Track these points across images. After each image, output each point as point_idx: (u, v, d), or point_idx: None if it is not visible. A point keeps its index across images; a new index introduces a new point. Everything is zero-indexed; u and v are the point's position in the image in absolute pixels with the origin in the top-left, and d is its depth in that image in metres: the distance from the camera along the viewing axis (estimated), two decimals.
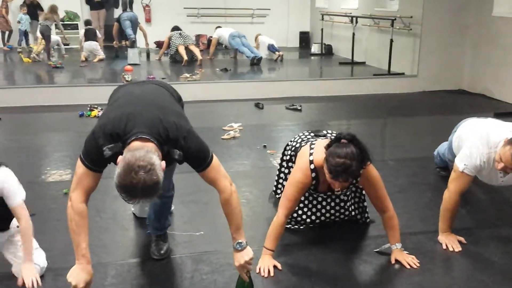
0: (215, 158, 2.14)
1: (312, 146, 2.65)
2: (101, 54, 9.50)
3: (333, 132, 2.94)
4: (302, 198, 2.84)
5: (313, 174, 2.58)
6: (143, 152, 1.83)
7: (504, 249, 2.75)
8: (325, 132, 2.94)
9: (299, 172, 2.60)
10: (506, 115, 6.02)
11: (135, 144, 1.89)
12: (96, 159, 2.00)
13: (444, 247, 2.75)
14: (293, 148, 2.96)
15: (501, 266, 2.58)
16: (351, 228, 2.99)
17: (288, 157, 3.04)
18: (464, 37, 7.48)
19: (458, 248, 2.73)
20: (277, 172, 3.27)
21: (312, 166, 2.57)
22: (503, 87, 6.78)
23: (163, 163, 1.87)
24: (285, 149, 3.14)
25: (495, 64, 6.95)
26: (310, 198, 2.89)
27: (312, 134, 2.95)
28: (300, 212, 2.92)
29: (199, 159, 2.09)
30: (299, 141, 2.93)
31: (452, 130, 3.36)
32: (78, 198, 2.03)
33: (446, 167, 3.69)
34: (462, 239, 2.80)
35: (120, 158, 1.85)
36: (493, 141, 2.59)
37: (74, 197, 2.03)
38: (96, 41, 9.56)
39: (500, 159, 2.48)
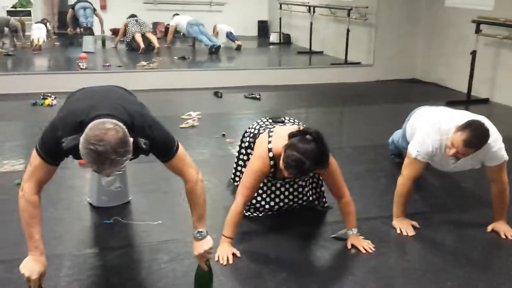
0: (181, 147, 2.13)
1: (271, 134, 2.66)
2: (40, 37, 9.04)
3: (291, 118, 2.96)
4: (261, 185, 2.86)
5: (272, 162, 2.59)
6: (107, 119, 1.82)
7: (456, 233, 2.85)
8: (283, 118, 2.96)
9: (257, 160, 2.61)
10: (458, 103, 6.22)
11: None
12: (53, 151, 1.95)
13: (398, 231, 2.83)
14: (251, 135, 2.96)
15: (453, 249, 2.68)
16: (308, 214, 3.04)
17: (246, 144, 3.04)
18: (417, 28, 7.65)
19: (411, 232, 2.81)
20: (235, 160, 3.27)
21: (271, 154, 2.59)
22: (455, 76, 6.99)
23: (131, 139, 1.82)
24: (243, 136, 3.14)
25: (447, 53, 7.15)
26: (269, 184, 2.91)
27: (270, 120, 2.96)
28: (259, 198, 2.94)
29: (166, 149, 2.07)
30: (257, 127, 2.94)
31: (406, 119, 3.44)
32: (31, 189, 1.98)
33: (400, 154, 3.78)
34: (415, 223, 2.89)
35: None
36: (445, 128, 2.67)
37: (27, 187, 1.98)
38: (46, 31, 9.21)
39: (452, 145, 2.56)
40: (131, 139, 1.83)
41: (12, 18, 9.22)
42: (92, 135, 1.74)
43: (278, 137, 2.58)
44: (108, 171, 1.79)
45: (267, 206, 2.95)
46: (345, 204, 2.67)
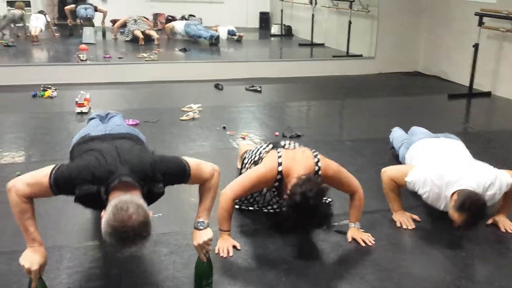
0: (191, 163, 2.15)
1: (279, 151, 2.61)
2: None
3: (290, 142, 2.84)
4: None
5: (278, 177, 2.54)
6: (128, 196, 1.88)
7: (454, 228, 2.84)
8: (283, 143, 2.82)
9: (265, 169, 2.56)
10: (460, 96, 6.21)
11: (119, 192, 1.90)
12: (61, 189, 1.98)
13: (399, 225, 2.83)
14: (251, 162, 2.84)
15: (453, 242, 2.68)
16: None
17: (245, 170, 2.91)
18: (419, 20, 7.61)
19: (411, 226, 2.82)
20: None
21: (280, 168, 2.53)
22: (457, 69, 6.96)
23: (150, 212, 1.89)
24: (243, 163, 3.03)
25: (449, 46, 7.12)
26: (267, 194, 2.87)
27: (271, 146, 2.84)
28: (251, 200, 2.90)
29: (180, 177, 2.13)
30: (257, 153, 2.83)
31: (406, 134, 3.45)
32: (24, 193, 1.96)
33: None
34: (416, 217, 2.89)
35: (103, 212, 1.85)
36: (445, 185, 2.62)
37: (21, 189, 1.95)
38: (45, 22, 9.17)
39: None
40: (151, 214, 1.89)
41: (19, 10, 9.18)
42: (115, 220, 1.78)
43: (287, 157, 2.55)
44: (131, 251, 1.86)
45: (260, 201, 2.91)
46: (357, 199, 2.67)
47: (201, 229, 2.16)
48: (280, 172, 2.52)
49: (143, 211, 1.84)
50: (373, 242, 2.63)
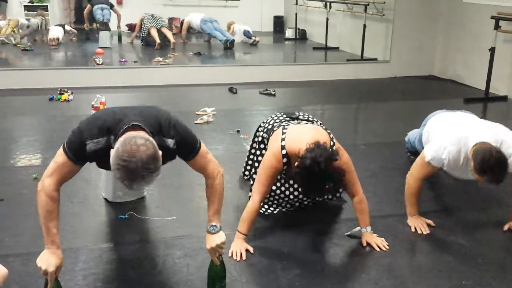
0: (203, 145, 2.19)
1: (284, 131, 2.64)
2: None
3: (305, 114, 2.93)
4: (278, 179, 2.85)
5: (284, 160, 2.58)
6: (135, 133, 1.87)
7: (471, 232, 2.82)
8: (297, 113, 2.93)
9: (271, 157, 2.60)
10: (476, 100, 6.15)
11: (128, 133, 1.89)
12: (78, 152, 1.99)
13: (413, 230, 2.81)
14: (265, 130, 2.94)
15: (468, 248, 2.65)
16: (322, 212, 3.03)
17: (260, 138, 3.03)
18: (435, 24, 7.56)
19: (426, 231, 2.79)
20: (247, 153, 3.25)
21: (284, 152, 2.57)
22: (473, 73, 6.90)
23: (160, 151, 1.87)
24: (257, 130, 3.12)
25: (465, 50, 7.06)
26: (281, 181, 2.91)
27: (284, 115, 2.93)
28: (274, 188, 2.92)
29: (191, 147, 2.14)
30: (271, 122, 2.92)
31: (422, 123, 3.40)
32: (52, 185, 2.00)
33: (416, 152, 3.74)
34: (431, 222, 2.86)
35: (112, 150, 1.84)
36: (464, 140, 2.60)
37: (48, 183, 2.00)
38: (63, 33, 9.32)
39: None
40: (160, 153, 1.86)
41: (39, 16, 9.33)
42: (123, 151, 1.78)
43: (292, 136, 2.57)
44: (139, 186, 1.85)
45: (282, 196, 2.93)
46: (358, 202, 2.65)
47: (213, 233, 2.17)
48: (285, 155, 2.55)
49: (151, 144, 1.82)
50: (387, 247, 2.62)
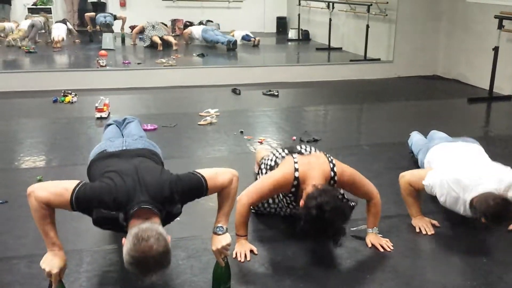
0: (205, 173, 2.16)
1: (295, 160, 2.56)
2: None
3: (307, 147, 2.82)
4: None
5: (295, 182, 2.50)
6: (148, 223, 1.89)
7: (476, 231, 2.81)
8: (299, 148, 2.79)
9: (282, 173, 2.54)
10: (480, 100, 6.13)
11: (139, 220, 1.93)
12: (83, 207, 2.01)
13: (418, 230, 2.80)
14: (268, 167, 2.82)
15: (473, 248, 2.65)
16: None
17: (263, 174, 2.89)
18: (438, 23, 7.54)
19: (431, 231, 2.79)
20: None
21: (297, 174, 2.50)
22: (477, 72, 6.88)
23: (169, 237, 1.91)
24: (260, 168, 3.00)
25: (469, 50, 7.04)
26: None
27: (286, 151, 2.81)
28: (266, 205, 2.89)
29: (199, 192, 2.15)
30: (273, 159, 2.81)
31: (425, 139, 3.40)
32: (44, 200, 1.97)
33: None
34: (435, 222, 2.86)
35: (124, 240, 1.88)
36: (463, 188, 2.57)
37: (41, 195, 1.97)
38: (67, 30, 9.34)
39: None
40: (169, 239, 1.90)
41: (42, 17, 9.36)
42: (136, 250, 1.80)
43: (303, 163, 2.53)
44: (151, 280, 1.87)
45: (273, 205, 2.89)
46: (373, 205, 2.65)
47: (219, 234, 2.18)
48: (296, 178, 2.50)
49: (163, 240, 1.85)
50: (392, 248, 2.61)
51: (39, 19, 9.27)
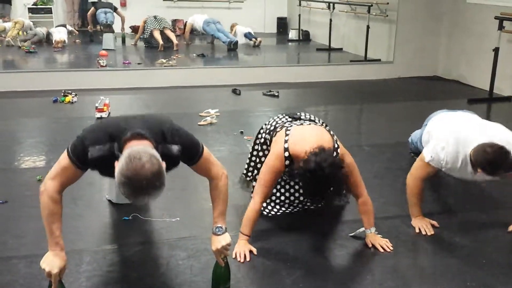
0: (205, 148, 2.19)
1: (287, 132, 2.61)
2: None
3: (307, 114, 2.90)
4: (279, 180, 2.85)
5: (287, 162, 2.56)
6: (142, 146, 1.87)
7: (475, 233, 2.82)
8: (299, 114, 2.88)
9: (273, 158, 2.59)
10: (480, 101, 6.13)
11: (132, 143, 1.90)
12: (81, 157, 1.99)
13: (417, 231, 2.80)
14: (267, 131, 2.89)
15: (472, 249, 2.65)
16: (326, 213, 3.02)
17: (262, 140, 2.98)
18: (439, 24, 7.54)
19: (430, 232, 2.78)
20: (249, 155, 3.21)
21: (287, 154, 2.55)
22: (477, 73, 6.88)
23: (164, 163, 1.87)
24: (259, 132, 3.07)
25: (469, 51, 7.04)
26: (285, 179, 2.89)
27: (287, 117, 2.88)
28: (274, 190, 2.90)
29: (194, 151, 2.14)
30: (273, 124, 2.87)
31: (423, 123, 3.39)
32: (54, 188, 2.00)
33: (419, 152, 3.73)
34: (435, 223, 2.85)
35: (117, 162, 1.84)
36: (463, 141, 2.60)
37: (50, 185, 2.00)
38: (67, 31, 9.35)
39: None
40: (164, 165, 1.87)
41: (43, 28, 9.38)
42: (128, 168, 1.78)
43: (295, 138, 2.56)
44: (144, 202, 1.86)
45: (282, 198, 2.92)
46: (362, 203, 2.65)
47: (219, 235, 2.18)
48: (287, 157, 2.53)
49: (156, 160, 1.82)
50: (392, 248, 2.61)
51: (42, 30, 9.30)
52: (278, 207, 2.98)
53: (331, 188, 2.36)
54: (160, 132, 2.02)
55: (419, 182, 2.79)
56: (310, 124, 2.76)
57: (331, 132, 2.69)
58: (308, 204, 3.00)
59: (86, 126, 2.10)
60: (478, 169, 2.48)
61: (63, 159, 2.02)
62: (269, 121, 2.98)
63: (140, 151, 1.82)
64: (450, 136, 2.67)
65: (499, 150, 2.42)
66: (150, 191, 1.80)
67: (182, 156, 2.11)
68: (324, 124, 2.85)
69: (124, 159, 1.80)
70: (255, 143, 3.13)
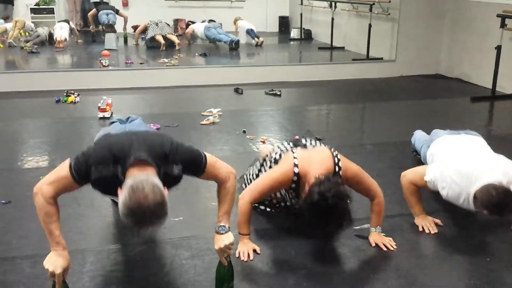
0: (208, 156, 2.18)
1: (295, 156, 2.56)
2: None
3: (312, 140, 2.82)
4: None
5: (295, 178, 2.51)
6: (144, 175, 1.88)
7: (480, 230, 2.81)
8: (304, 141, 2.80)
9: (281, 172, 2.54)
10: (483, 99, 6.12)
11: (135, 171, 1.91)
12: (83, 173, 2.00)
13: (421, 229, 2.80)
14: (273, 160, 2.78)
15: (477, 247, 2.64)
16: None
17: (268, 167, 2.84)
18: (441, 22, 7.53)
19: (434, 230, 2.78)
20: (248, 176, 3.03)
21: (296, 170, 2.50)
22: (480, 71, 6.87)
23: (165, 190, 1.89)
24: (264, 160, 2.93)
25: (471, 49, 7.03)
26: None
27: (291, 144, 2.81)
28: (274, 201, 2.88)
29: (196, 165, 2.15)
30: (278, 152, 2.78)
31: (429, 137, 3.36)
32: (50, 193, 2.00)
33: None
34: (438, 221, 2.85)
35: (120, 190, 1.86)
36: (466, 180, 2.54)
37: (46, 190, 2.00)
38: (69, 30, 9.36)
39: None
40: (166, 192, 1.89)
41: (45, 28, 9.38)
42: (131, 201, 1.79)
43: (303, 158, 2.53)
44: (148, 232, 1.87)
45: (274, 202, 2.89)
46: (377, 204, 2.64)
47: (222, 233, 2.18)
48: (296, 174, 2.51)
49: (159, 191, 1.83)
50: (395, 247, 2.61)
51: (44, 30, 9.31)
52: (268, 209, 2.94)
53: (335, 219, 2.31)
54: (162, 154, 2.02)
55: (412, 186, 2.80)
56: (314, 148, 2.71)
57: (334, 153, 2.60)
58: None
59: (90, 145, 2.11)
60: (483, 210, 2.46)
61: (64, 170, 2.01)
62: (274, 150, 2.85)
63: (143, 181, 1.84)
64: (452, 174, 2.60)
65: (504, 192, 2.38)
66: (154, 221, 1.83)
67: (185, 172, 2.12)
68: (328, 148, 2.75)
69: (127, 191, 1.82)
70: (259, 171, 2.92)
